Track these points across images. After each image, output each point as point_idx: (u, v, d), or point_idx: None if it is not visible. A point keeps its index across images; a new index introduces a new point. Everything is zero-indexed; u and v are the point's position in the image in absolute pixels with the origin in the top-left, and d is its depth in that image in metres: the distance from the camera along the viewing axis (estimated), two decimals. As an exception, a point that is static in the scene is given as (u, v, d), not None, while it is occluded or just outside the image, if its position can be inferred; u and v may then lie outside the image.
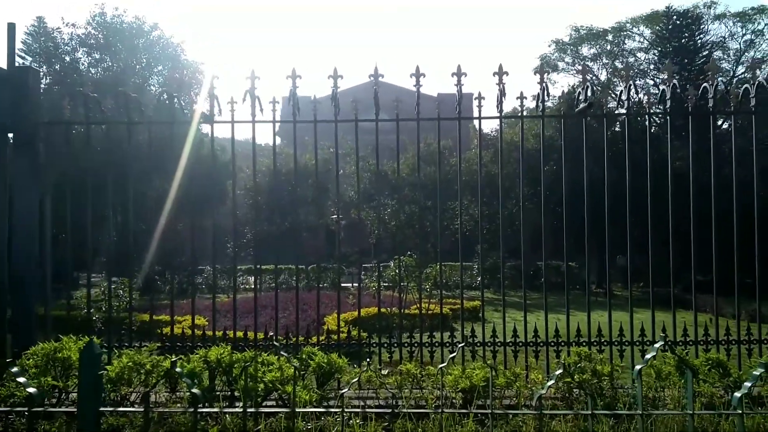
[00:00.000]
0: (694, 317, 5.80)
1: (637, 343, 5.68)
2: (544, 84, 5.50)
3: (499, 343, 5.76)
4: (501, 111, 5.30)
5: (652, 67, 43.16)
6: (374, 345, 5.71)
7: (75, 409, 2.95)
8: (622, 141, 28.29)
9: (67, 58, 35.85)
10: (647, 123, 6.65)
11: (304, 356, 4.73)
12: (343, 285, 28.31)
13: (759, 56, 39.45)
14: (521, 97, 5.44)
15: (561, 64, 45.97)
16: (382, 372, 5.43)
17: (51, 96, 28.67)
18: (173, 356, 4.71)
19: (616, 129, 38.01)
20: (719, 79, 5.70)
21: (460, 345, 4.12)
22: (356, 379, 3.69)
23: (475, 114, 5.44)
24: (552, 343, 5.80)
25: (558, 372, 2.62)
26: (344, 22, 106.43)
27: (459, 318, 16.27)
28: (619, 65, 44.43)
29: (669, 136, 5.80)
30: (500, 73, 5.19)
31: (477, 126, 5.76)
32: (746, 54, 42.92)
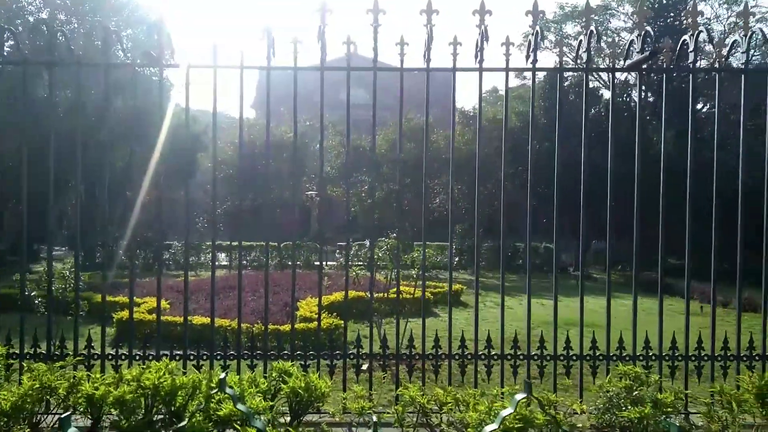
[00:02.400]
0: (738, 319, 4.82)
1: (693, 358, 4.65)
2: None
3: (521, 356, 4.67)
4: (535, 61, 4.26)
5: (634, 50, 42.30)
6: (363, 357, 4.55)
7: None
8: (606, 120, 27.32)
9: (32, 19, 33.75)
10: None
11: (274, 375, 3.67)
12: (317, 263, 27.28)
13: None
14: (561, 43, 4.43)
15: (543, 42, 44.99)
16: (372, 390, 4.39)
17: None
18: (97, 374, 3.61)
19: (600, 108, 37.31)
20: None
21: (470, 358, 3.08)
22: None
23: (501, 65, 4.33)
24: (587, 357, 4.73)
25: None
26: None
27: (440, 303, 15.41)
28: (603, 45, 43.77)
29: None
30: (535, 12, 4.10)
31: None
32: (730, 37, 42.39)
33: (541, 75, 46.34)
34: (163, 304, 12.57)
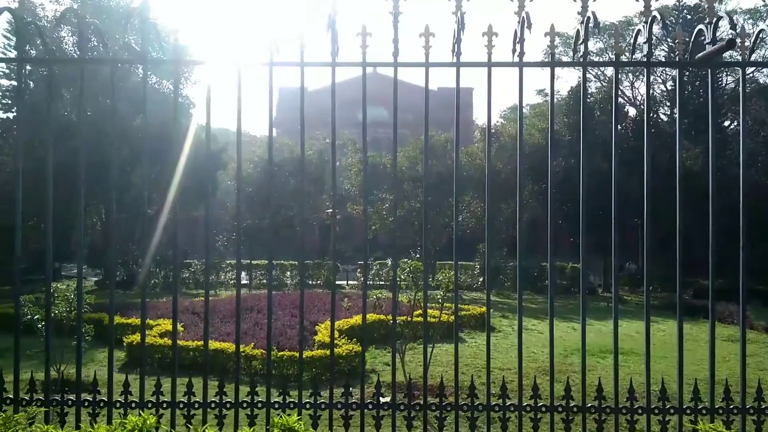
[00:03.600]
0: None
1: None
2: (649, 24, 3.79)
3: (575, 408, 3.77)
4: (585, 54, 3.60)
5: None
6: (384, 407, 3.65)
7: None
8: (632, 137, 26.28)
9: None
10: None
11: (276, 432, 3.04)
12: (337, 282, 26.68)
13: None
14: (617, 34, 3.70)
15: (565, 59, 44.35)
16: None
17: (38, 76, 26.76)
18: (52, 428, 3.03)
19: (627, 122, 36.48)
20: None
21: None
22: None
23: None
24: (656, 410, 3.90)
25: None
26: None
27: (465, 326, 14.70)
28: (624, 59, 43.13)
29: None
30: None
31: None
32: (756, 52, 41.49)
33: (564, 91, 45.61)
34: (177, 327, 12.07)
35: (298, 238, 4.99)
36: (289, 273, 27.62)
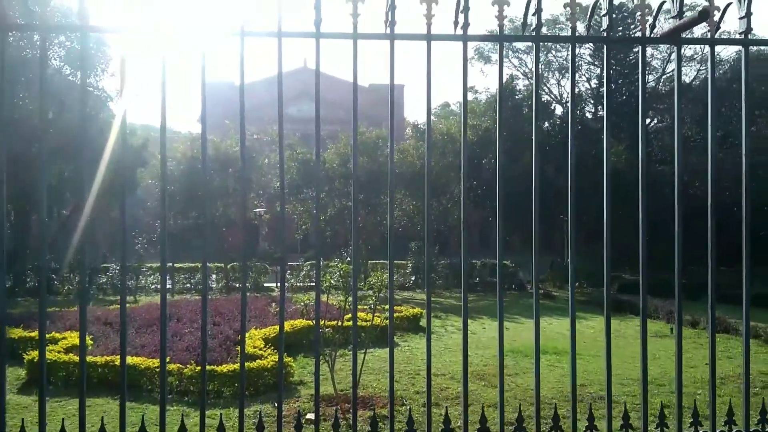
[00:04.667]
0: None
1: (759, 432, 3.45)
2: None
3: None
4: (539, 26, 3.08)
5: (583, 63, 42.92)
6: None
7: None
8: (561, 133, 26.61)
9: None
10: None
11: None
12: (266, 285, 25.75)
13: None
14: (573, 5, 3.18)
15: (494, 56, 44.91)
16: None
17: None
18: None
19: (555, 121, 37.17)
20: None
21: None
22: None
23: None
24: None
25: None
26: None
27: (398, 329, 14.23)
28: (551, 58, 44.37)
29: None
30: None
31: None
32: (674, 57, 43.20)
33: (492, 89, 45.56)
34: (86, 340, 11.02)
35: (206, 237, 4.32)
36: (214, 276, 26.39)
